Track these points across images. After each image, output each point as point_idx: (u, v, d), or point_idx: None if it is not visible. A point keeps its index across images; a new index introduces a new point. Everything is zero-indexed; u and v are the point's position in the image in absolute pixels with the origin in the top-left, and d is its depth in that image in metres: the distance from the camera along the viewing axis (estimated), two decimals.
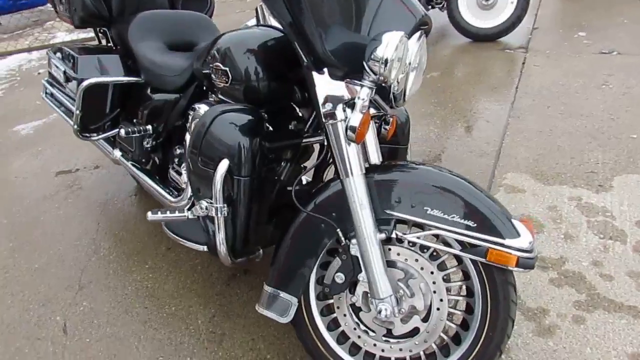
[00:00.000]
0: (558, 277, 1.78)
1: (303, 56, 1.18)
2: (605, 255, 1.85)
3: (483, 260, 1.18)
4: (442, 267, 1.31)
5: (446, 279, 1.31)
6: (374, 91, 1.18)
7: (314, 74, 1.22)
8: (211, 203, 1.32)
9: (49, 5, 6.99)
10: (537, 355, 1.52)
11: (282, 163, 1.50)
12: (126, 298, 1.90)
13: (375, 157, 1.41)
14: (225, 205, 1.32)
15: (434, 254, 1.31)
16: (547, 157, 2.47)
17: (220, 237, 1.35)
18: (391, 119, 1.54)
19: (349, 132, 1.15)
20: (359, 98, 1.16)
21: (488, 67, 3.61)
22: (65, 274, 2.05)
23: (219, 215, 1.32)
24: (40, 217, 2.47)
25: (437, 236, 1.24)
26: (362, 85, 1.16)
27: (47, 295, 1.95)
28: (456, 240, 1.22)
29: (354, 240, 1.27)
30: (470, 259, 1.23)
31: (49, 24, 6.61)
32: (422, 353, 1.36)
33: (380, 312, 1.25)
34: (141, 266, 2.05)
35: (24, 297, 1.96)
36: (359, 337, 1.39)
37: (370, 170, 1.31)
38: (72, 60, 2.06)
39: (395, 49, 1.09)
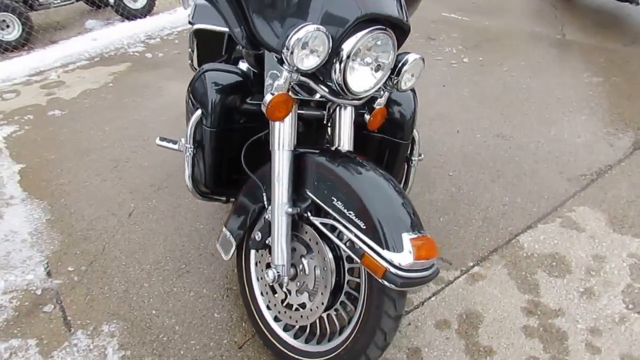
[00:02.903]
0: (537, 327, 1.59)
1: (236, 37, 1.31)
2: (614, 327, 1.56)
3: (358, 261, 1.22)
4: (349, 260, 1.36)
5: (349, 272, 1.36)
6: (293, 76, 1.24)
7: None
8: (184, 142, 1.60)
9: None
10: None
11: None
12: (178, 207, 2.34)
13: (345, 143, 1.48)
14: (193, 147, 1.58)
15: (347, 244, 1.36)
16: None
17: (187, 173, 1.63)
18: (376, 109, 1.53)
19: (262, 108, 1.27)
20: (277, 80, 1.26)
21: None
22: (156, 175, 2.60)
23: (187, 154, 1.59)
24: (166, 129, 3.08)
25: None
26: (282, 69, 1.25)
27: (136, 187, 2.53)
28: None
29: (270, 207, 1.41)
30: None
31: None
32: (317, 329, 1.46)
33: (268, 275, 1.38)
34: None
35: (124, 184, 2.57)
36: (267, 293, 1.54)
37: (321, 153, 1.40)
38: (194, 6, 2.48)
39: (297, 39, 1.15)
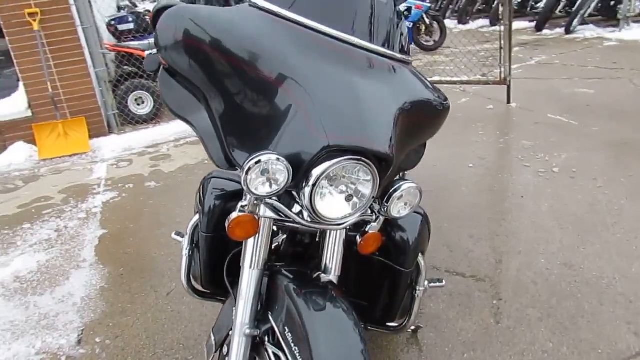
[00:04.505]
0: None
1: (210, 154, 1.36)
2: None
3: None
4: None
5: None
6: (256, 199, 1.24)
7: None
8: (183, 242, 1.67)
9: None
10: None
11: None
12: None
13: (331, 268, 1.43)
14: (189, 247, 1.64)
15: None
16: None
17: (183, 273, 1.68)
18: (368, 233, 1.46)
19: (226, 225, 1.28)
20: (243, 201, 1.27)
21: None
22: None
23: (183, 253, 1.65)
24: None
25: None
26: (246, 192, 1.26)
27: None
28: None
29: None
30: None
31: None
32: None
33: None
34: None
35: (176, 260, 2.70)
36: None
37: (294, 278, 1.37)
38: None
39: (253, 165, 1.14)
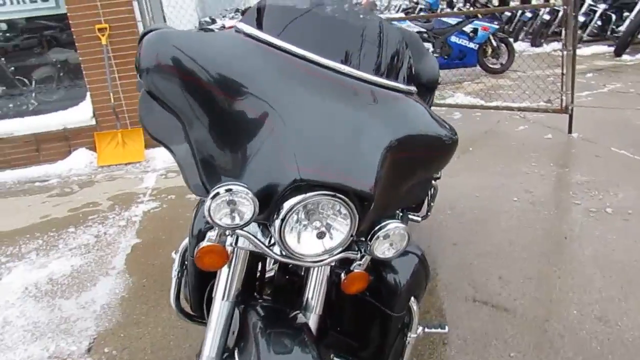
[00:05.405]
0: None
1: (186, 180, 1.33)
2: None
3: None
4: None
5: None
6: (228, 231, 1.20)
7: None
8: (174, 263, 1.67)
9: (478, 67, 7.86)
10: None
11: None
12: None
13: (314, 306, 1.38)
14: (179, 269, 1.63)
15: None
16: None
17: (172, 295, 1.67)
18: (353, 272, 1.37)
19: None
20: (212, 230, 1.23)
21: None
22: None
23: (173, 275, 1.64)
24: None
25: None
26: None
27: None
28: None
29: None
30: None
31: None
32: None
33: None
34: None
35: None
36: None
37: (265, 315, 1.33)
38: None
39: (213, 195, 1.10)
